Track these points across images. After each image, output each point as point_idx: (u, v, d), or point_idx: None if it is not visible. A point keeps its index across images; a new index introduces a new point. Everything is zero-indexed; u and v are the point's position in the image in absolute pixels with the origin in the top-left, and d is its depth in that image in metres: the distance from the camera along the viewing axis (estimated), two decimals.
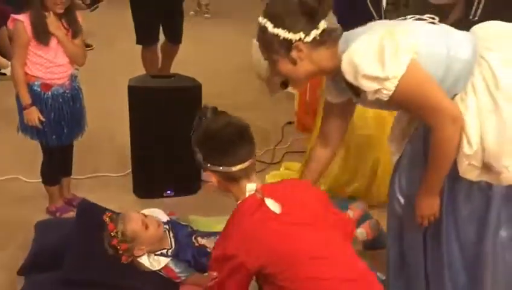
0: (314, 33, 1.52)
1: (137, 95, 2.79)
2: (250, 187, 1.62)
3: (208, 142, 1.64)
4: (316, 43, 1.54)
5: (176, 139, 2.74)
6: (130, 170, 2.94)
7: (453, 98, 1.54)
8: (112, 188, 2.96)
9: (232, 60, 5.16)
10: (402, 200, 1.81)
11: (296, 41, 1.52)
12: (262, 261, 1.52)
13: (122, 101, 2.87)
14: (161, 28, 3.82)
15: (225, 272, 1.54)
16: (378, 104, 1.57)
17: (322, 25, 1.52)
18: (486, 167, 1.54)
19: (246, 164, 1.61)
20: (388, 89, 1.46)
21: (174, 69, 3.88)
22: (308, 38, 1.52)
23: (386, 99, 1.50)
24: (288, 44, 1.53)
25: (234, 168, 1.60)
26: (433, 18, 1.62)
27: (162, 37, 3.90)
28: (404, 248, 1.85)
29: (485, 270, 1.68)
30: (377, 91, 1.48)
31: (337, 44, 1.56)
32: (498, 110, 1.48)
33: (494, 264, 1.67)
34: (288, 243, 1.53)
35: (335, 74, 1.61)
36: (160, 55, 3.96)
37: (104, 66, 4.70)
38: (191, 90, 2.83)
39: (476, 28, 1.64)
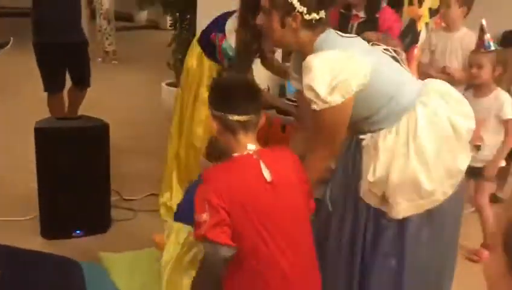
0: (313, 16, 1.75)
1: (44, 136, 2.81)
2: (251, 147, 1.72)
3: (215, 88, 1.81)
4: (309, 24, 1.76)
5: (84, 178, 2.79)
6: (38, 212, 2.91)
7: (378, 130, 1.78)
8: (18, 232, 2.91)
9: (141, 104, 5.28)
10: (330, 207, 1.96)
11: (298, 12, 1.74)
12: (235, 217, 1.61)
13: (29, 145, 2.88)
14: (68, 73, 3.88)
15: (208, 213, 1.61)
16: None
17: (322, 14, 1.77)
18: (384, 198, 1.77)
19: (245, 117, 1.70)
20: (317, 105, 1.72)
21: (83, 113, 3.91)
22: (307, 17, 1.75)
23: (312, 109, 1.74)
24: (290, 9, 1.74)
25: (231, 117, 1.70)
26: (395, 51, 1.92)
27: (68, 82, 3.94)
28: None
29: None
30: (309, 100, 1.73)
31: (318, 35, 1.79)
32: (408, 157, 1.72)
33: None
34: (268, 214, 1.64)
35: (302, 55, 1.84)
36: (67, 100, 4.00)
37: (9, 111, 4.62)
38: (97, 130, 2.90)
39: (428, 81, 1.92)
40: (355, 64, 1.71)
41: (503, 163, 2.95)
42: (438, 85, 1.86)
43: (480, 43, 2.88)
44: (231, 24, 2.77)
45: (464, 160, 1.80)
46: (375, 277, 1.83)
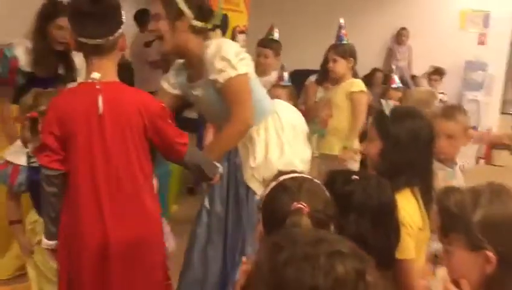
0: (202, 25, 2.09)
1: None
2: (95, 75, 1.73)
3: (72, 9, 1.78)
4: (197, 30, 2.09)
5: None
6: None
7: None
8: None
9: None
10: (209, 207, 2.29)
11: (186, 17, 2.05)
12: (64, 142, 1.74)
13: None
14: None
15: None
16: (206, 96, 2.14)
17: (210, 24, 2.12)
18: (264, 181, 1.95)
19: (92, 41, 1.71)
20: (229, 74, 2.04)
21: None
22: (195, 23, 2.07)
23: (221, 81, 2.05)
24: (180, 14, 2.04)
25: (80, 39, 1.72)
26: None
27: None
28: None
29: None
30: (220, 71, 2.04)
31: (207, 38, 2.13)
32: (282, 146, 2.21)
33: None
34: (91, 144, 1.73)
35: (188, 62, 2.19)
36: None
37: None
38: None
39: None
40: (221, 53, 2.07)
41: None
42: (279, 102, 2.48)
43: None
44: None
45: (307, 151, 2.37)
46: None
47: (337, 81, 3.48)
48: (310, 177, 1.35)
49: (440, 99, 5.92)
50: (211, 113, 2.34)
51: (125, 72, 3.54)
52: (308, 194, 1.25)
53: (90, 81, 1.73)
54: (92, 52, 1.74)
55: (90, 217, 1.76)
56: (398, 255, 1.58)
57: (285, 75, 3.48)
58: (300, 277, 0.87)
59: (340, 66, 3.42)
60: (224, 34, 3.80)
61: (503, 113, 7.50)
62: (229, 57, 2.04)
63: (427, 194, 1.72)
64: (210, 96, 2.14)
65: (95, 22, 1.70)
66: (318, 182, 1.35)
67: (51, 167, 1.74)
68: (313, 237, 0.94)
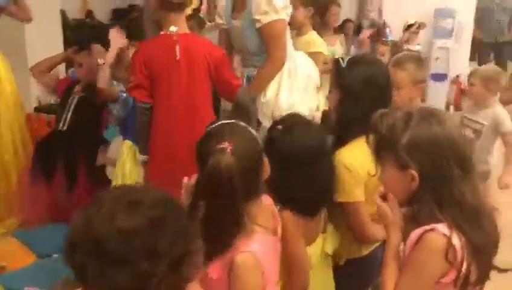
0: None
1: None
2: (172, 28, 2.23)
3: None
4: None
5: None
6: None
7: None
8: None
9: None
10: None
11: None
12: (151, 79, 2.23)
13: None
14: None
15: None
16: (243, 29, 2.48)
17: None
18: (272, 116, 2.42)
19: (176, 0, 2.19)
20: (271, 17, 2.38)
21: None
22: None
23: (263, 22, 2.39)
24: None
25: None
26: None
27: None
28: None
29: None
30: (264, 13, 2.38)
31: None
32: (292, 88, 2.51)
33: None
34: (171, 81, 2.25)
35: None
36: None
37: None
38: None
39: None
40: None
41: None
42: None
43: None
44: None
45: (315, 101, 2.62)
46: None
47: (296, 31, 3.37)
48: (236, 121, 1.37)
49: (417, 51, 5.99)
50: (241, 44, 2.63)
51: None
52: (230, 135, 1.28)
53: (169, 33, 2.24)
54: (173, 9, 2.23)
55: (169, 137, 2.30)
56: (341, 197, 1.66)
57: None
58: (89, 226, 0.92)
59: (298, 13, 3.26)
60: None
61: (472, 60, 7.63)
62: (274, 2, 2.36)
63: None
64: (246, 30, 2.49)
65: None
66: (243, 124, 1.37)
67: (144, 101, 2.27)
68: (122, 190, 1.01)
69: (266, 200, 1.40)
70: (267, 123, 2.41)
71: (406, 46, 5.85)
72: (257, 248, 1.24)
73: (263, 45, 2.49)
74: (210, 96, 2.37)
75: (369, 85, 1.69)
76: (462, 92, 6.85)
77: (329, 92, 1.89)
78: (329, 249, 1.65)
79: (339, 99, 1.75)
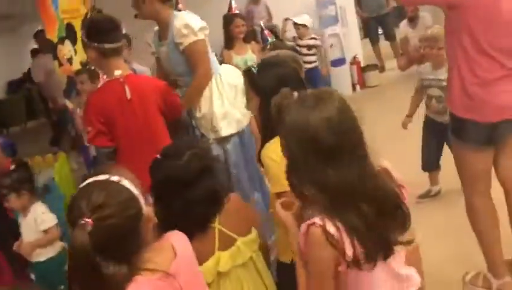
0: None
1: None
2: (117, 72, 2.38)
3: (90, 24, 2.47)
4: (163, 2, 2.71)
5: None
6: None
7: None
8: None
9: None
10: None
11: None
12: (108, 126, 2.38)
13: None
14: None
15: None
16: (170, 54, 2.78)
17: None
18: (214, 130, 2.79)
19: (116, 44, 2.40)
20: (191, 39, 2.67)
21: None
22: None
23: (185, 45, 2.69)
24: None
25: (107, 46, 2.36)
26: None
27: None
28: None
29: None
30: (185, 37, 2.67)
31: (173, 9, 2.77)
32: (223, 100, 2.81)
33: None
34: (127, 123, 2.39)
35: (159, 25, 2.84)
36: None
37: None
38: None
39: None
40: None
41: None
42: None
43: None
44: None
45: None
46: None
47: None
48: (108, 179, 1.24)
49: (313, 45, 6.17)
50: (170, 68, 2.91)
51: None
52: (96, 201, 1.18)
53: (114, 78, 2.40)
54: (112, 55, 2.40)
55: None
56: (275, 189, 1.67)
57: None
58: None
59: None
60: None
61: (363, 38, 7.98)
62: (193, 25, 2.67)
63: None
64: (172, 53, 2.78)
65: (115, 32, 2.43)
66: (116, 180, 1.24)
67: (108, 145, 2.40)
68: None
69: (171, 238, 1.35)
70: (210, 135, 2.79)
71: (298, 42, 6.03)
72: None
73: (188, 66, 2.78)
74: (163, 123, 2.56)
75: (282, 84, 1.67)
76: (361, 70, 7.14)
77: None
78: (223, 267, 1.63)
79: (259, 105, 1.79)
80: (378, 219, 1.22)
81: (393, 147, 4.20)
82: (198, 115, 2.80)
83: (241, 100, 2.69)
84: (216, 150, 2.71)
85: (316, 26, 6.94)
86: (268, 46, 4.40)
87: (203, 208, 1.61)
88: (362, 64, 7.24)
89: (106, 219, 1.16)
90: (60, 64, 4.70)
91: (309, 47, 6.05)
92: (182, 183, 1.59)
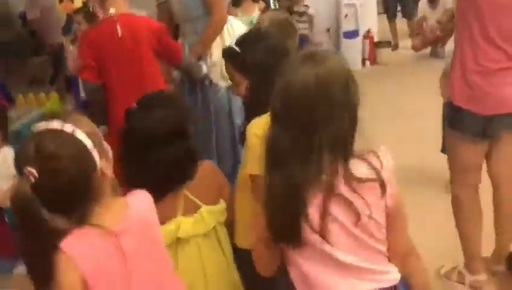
0: None
1: None
2: (112, 10, 2.43)
3: None
4: None
5: None
6: None
7: None
8: None
9: None
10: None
11: None
12: (97, 58, 2.43)
13: None
14: None
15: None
16: (184, 2, 2.80)
17: None
18: (225, 77, 2.52)
19: None
20: None
21: None
22: None
23: None
24: None
25: None
26: None
27: None
28: None
29: None
30: None
31: None
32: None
33: None
34: (114, 56, 2.43)
35: None
36: None
37: None
38: None
39: None
40: None
41: None
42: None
43: None
44: None
45: None
46: None
47: None
48: (64, 128, 1.12)
49: (304, 12, 6.04)
50: (183, 13, 2.86)
51: None
52: (43, 151, 1.08)
53: (108, 15, 2.44)
54: None
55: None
56: (253, 170, 1.50)
57: None
58: None
59: None
60: None
61: (379, 13, 7.70)
62: None
63: None
64: None
65: None
66: (70, 131, 1.11)
67: (94, 81, 2.46)
68: None
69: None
70: (221, 82, 2.74)
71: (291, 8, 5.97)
72: (76, 249, 1.09)
73: (204, 7, 2.74)
74: (157, 66, 2.56)
75: (275, 57, 1.55)
76: (375, 45, 6.91)
77: (235, 86, 1.71)
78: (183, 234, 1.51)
79: (248, 85, 1.62)
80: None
81: (394, 127, 4.07)
82: (209, 62, 2.76)
83: None
84: (224, 98, 2.76)
85: None
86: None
87: (170, 170, 1.48)
88: (375, 40, 6.99)
89: (52, 171, 1.08)
90: (61, 1, 4.51)
91: (300, 14, 6.04)
92: (151, 140, 1.46)
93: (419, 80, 5.37)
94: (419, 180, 3.37)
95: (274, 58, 1.54)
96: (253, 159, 1.48)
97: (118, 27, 2.41)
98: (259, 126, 1.49)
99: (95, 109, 2.54)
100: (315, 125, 1.14)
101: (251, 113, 1.60)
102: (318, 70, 1.15)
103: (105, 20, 2.48)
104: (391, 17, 7.47)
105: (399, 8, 7.50)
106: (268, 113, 1.46)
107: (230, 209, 1.64)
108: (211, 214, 1.55)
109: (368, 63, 6.84)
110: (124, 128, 1.53)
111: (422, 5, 6.63)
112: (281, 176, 1.15)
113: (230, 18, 2.90)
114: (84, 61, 2.46)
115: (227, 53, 1.69)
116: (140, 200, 1.26)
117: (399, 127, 4.03)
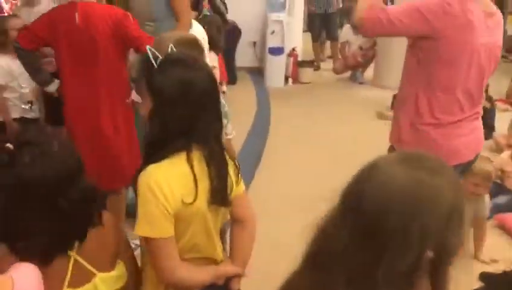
0: None
1: None
2: None
3: None
4: None
5: None
6: None
7: None
8: None
9: None
10: None
11: None
12: (50, 38, 2.51)
13: None
14: None
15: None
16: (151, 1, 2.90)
17: None
18: None
19: None
20: None
21: None
22: None
23: None
24: None
25: None
26: None
27: None
28: None
29: None
30: None
31: None
32: None
33: None
34: (71, 44, 2.49)
35: None
36: None
37: None
38: None
39: None
40: None
41: None
42: None
43: None
44: None
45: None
46: None
47: None
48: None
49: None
50: (144, 10, 2.94)
51: None
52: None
53: (71, 1, 2.50)
54: None
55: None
56: (141, 231, 1.31)
57: None
58: None
59: None
60: None
61: (304, 31, 7.82)
62: None
63: (210, 158, 1.37)
64: None
65: None
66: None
67: (25, 47, 2.50)
68: None
69: None
70: None
71: None
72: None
73: (167, 11, 2.88)
74: (116, 53, 2.57)
75: (187, 92, 1.34)
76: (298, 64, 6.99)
77: (141, 97, 1.43)
78: None
79: (151, 110, 1.36)
80: None
81: (298, 150, 4.09)
82: None
83: (207, 54, 2.76)
84: None
85: (262, 8, 6.69)
86: (200, 17, 4.19)
87: (54, 228, 1.16)
88: (299, 59, 7.08)
89: None
90: None
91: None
92: (28, 191, 1.13)
93: (340, 102, 5.51)
94: None
95: (187, 94, 1.33)
96: (143, 218, 1.29)
97: (76, 15, 2.45)
98: (156, 175, 1.29)
99: (35, 74, 2.67)
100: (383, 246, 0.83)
101: (153, 145, 1.36)
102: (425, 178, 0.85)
103: (69, 4, 2.51)
104: (315, 38, 7.62)
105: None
106: (169, 160, 1.30)
107: (132, 270, 1.39)
108: (105, 283, 1.27)
109: (290, 81, 6.90)
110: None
111: (347, 30, 6.81)
112: (311, 280, 0.90)
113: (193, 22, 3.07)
114: (30, 30, 2.53)
115: (146, 60, 1.37)
116: (27, 276, 1.05)
117: (304, 149, 4.03)
